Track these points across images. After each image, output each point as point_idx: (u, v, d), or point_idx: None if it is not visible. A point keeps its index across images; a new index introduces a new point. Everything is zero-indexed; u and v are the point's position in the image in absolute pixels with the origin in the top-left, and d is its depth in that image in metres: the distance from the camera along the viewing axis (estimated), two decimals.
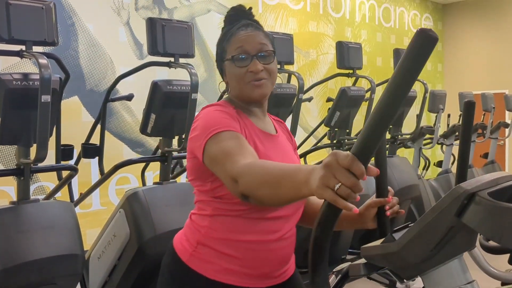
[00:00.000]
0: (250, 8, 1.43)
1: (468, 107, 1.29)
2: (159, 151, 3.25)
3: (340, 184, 0.78)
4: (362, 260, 0.97)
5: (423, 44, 0.70)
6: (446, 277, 0.88)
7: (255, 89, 1.31)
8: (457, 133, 5.71)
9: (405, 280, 0.93)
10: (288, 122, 3.81)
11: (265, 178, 1.02)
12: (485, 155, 6.41)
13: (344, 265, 1.01)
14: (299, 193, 0.92)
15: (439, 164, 5.80)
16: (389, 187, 1.30)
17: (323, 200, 0.81)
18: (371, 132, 0.75)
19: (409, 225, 0.90)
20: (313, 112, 6.87)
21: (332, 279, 1.00)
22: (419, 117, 5.07)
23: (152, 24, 3.04)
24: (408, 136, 5.16)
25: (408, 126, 5.80)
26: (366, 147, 0.76)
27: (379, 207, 1.29)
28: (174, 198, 3.05)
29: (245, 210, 1.28)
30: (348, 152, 0.78)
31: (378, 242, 0.90)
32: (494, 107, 5.85)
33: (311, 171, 0.87)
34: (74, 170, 2.90)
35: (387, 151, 5.10)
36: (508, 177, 0.89)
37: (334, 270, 1.03)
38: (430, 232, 0.80)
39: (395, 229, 0.94)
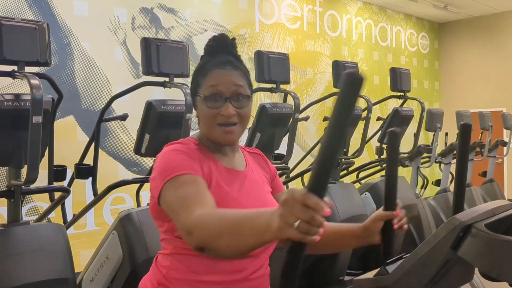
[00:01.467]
0: (234, 39, 1.37)
1: (464, 131, 1.26)
2: None
3: (299, 220, 0.79)
4: None
5: (351, 84, 0.79)
6: None
7: (225, 135, 1.27)
8: (455, 152, 5.69)
9: None
10: (285, 141, 3.79)
11: (222, 228, 0.99)
12: (484, 174, 6.37)
13: None
14: (262, 239, 0.91)
15: (438, 183, 5.76)
16: (397, 201, 1.23)
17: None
18: (320, 168, 0.80)
19: (403, 256, 0.86)
20: (310, 131, 6.85)
21: None
22: (416, 135, 5.04)
23: (146, 44, 3.03)
24: (405, 155, 5.12)
25: (406, 144, 5.78)
26: (319, 181, 0.81)
27: (386, 221, 1.22)
28: None
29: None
30: (303, 188, 0.81)
31: (371, 274, 0.86)
32: (491, 126, 5.83)
33: (272, 214, 0.86)
34: (65, 191, 2.86)
35: (383, 170, 5.08)
36: (506, 207, 0.85)
37: None
38: (425, 265, 0.76)
39: (388, 261, 0.90)
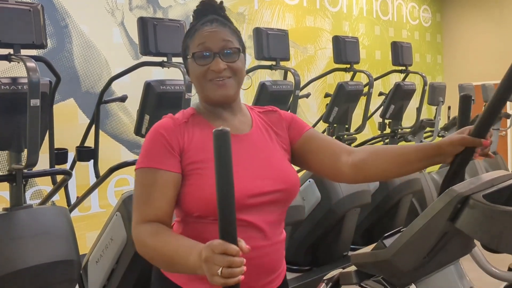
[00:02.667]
0: (221, 2, 1.34)
1: (464, 101, 1.23)
2: None
3: (221, 268, 0.94)
4: (354, 268, 0.92)
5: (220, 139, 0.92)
6: (442, 285, 0.83)
7: (218, 89, 1.24)
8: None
9: None
10: None
11: (159, 256, 1.13)
12: None
13: (335, 273, 0.97)
14: (194, 272, 1.05)
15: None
16: (491, 129, 1.14)
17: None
18: (225, 217, 0.93)
19: (401, 230, 0.85)
20: (312, 108, 6.82)
21: (323, 287, 0.95)
22: (418, 110, 5.01)
23: (143, 23, 2.99)
24: (408, 130, 5.10)
25: (409, 119, 5.74)
26: (229, 229, 0.93)
27: (467, 147, 1.11)
28: None
29: (216, 221, 1.23)
30: (218, 240, 0.95)
31: (368, 249, 0.86)
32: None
33: (199, 257, 1.00)
34: (67, 174, 2.86)
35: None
36: (505, 177, 0.84)
37: (324, 278, 0.98)
38: (422, 238, 0.75)
39: (386, 234, 0.89)
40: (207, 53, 1.23)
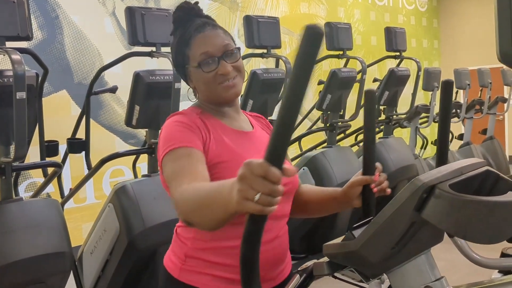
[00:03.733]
0: (197, 3, 1.36)
1: (445, 87, 1.22)
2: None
3: (259, 193, 0.78)
4: (327, 258, 0.91)
5: (312, 39, 0.71)
6: (413, 275, 0.82)
7: (229, 90, 1.28)
8: (453, 110, 5.63)
9: (370, 279, 0.88)
10: (278, 108, 3.74)
11: (195, 202, 1.01)
12: (484, 131, 6.32)
13: (309, 264, 0.96)
14: (227, 211, 0.90)
15: (436, 142, 5.73)
16: (377, 164, 1.23)
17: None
18: (278, 135, 0.75)
19: (371, 220, 0.84)
20: (307, 95, 6.79)
21: (296, 279, 0.95)
22: (413, 95, 4.99)
23: (131, 13, 2.96)
24: (403, 116, 5.08)
25: (404, 105, 5.72)
26: (277, 150, 0.76)
27: (364, 185, 1.23)
28: (162, 190, 2.98)
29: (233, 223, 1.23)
30: (260, 160, 0.78)
31: (339, 240, 0.85)
32: (491, 82, 5.75)
33: (232, 185, 0.85)
34: (58, 166, 2.85)
35: (382, 132, 5.05)
36: (477, 165, 0.82)
37: (298, 269, 0.98)
38: (390, 229, 0.74)
39: (355, 225, 0.88)
40: (213, 60, 1.26)
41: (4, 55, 2.46)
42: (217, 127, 1.29)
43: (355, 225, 0.89)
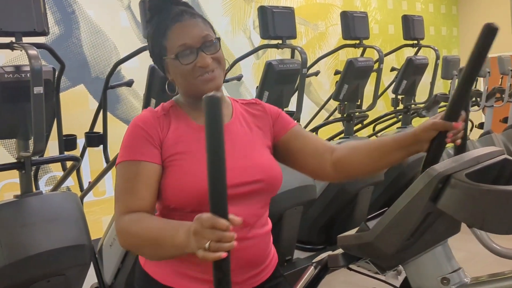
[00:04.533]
0: None
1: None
2: None
3: (209, 242, 0.92)
4: (341, 250, 0.90)
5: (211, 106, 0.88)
6: (429, 266, 0.81)
7: (208, 83, 1.22)
8: (473, 99, 5.54)
9: (386, 270, 0.86)
10: (294, 99, 3.72)
11: (143, 240, 1.09)
12: (505, 120, 6.19)
13: (323, 256, 0.95)
14: (181, 251, 1.02)
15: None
16: (462, 112, 1.12)
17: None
18: (215, 190, 0.89)
19: (385, 211, 0.82)
20: (324, 86, 6.74)
21: (311, 271, 0.94)
22: (432, 84, 4.91)
23: (144, 6, 2.96)
24: (422, 105, 5.01)
25: (422, 94, 5.64)
26: (219, 203, 0.90)
27: (440, 131, 1.11)
28: None
29: (194, 212, 1.16)
30: (207, 214, 0.93)
31: (353, 231, 0.83)
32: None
33: (188, 233, 0.98)
34: (76, 160, 2.88)
35: (400, 122, 4.99)
36: (495, 153, 0.80)
37: (313, 261, 0.96)
38: (404, 220, 0.73)
39: (369, 216, 0.87)
40: (191, 51, 1.22)
41: (21, 50, 2.48)
42: (181, 124, 1.26)
43: (369, 216, 0.88)
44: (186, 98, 1.29)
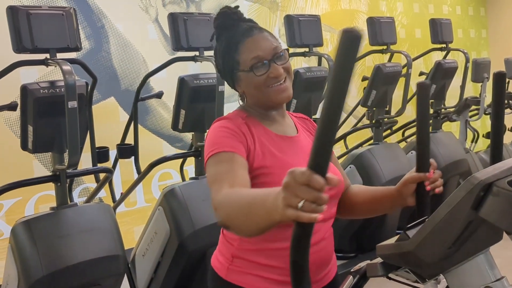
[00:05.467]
0: (237, 7, 1.37)
1: (497, 80, 1.18)
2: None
3: (303, 201, 0.78)
4: (380, 259, 0.90)
5: (349, 43, 0.71)
6: (471, 275, 0.80)
7: (280, 93, 1.28)
8: (506, 102, 5.42)
9: (427, 280, 0.85)
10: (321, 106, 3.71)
11: (238, 207, 1.02)
12: None
13: (362, 265, 0.95)
14: (271, 219, 0.90)
15: (489, 135, 5.51)
16: (431, 160, 1.19)
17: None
18: (321, 143, 0.75)
19: (426, 219, 0.82)
20: (351, 92, 6.70)
21: (350, 280, 0.94)
22: (462, 88, 4.84)
23: (173, 19, 3.02)
24: (452, 109, 4.93)
25: (453, 98, 5.55)
26: (319, 158, 0.77)
27: (418, 183, 1.19)
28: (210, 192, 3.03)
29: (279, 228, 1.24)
30: (304, 168, 0.78)
31: (393, 240, 0.83)
32: None
33: (277, 194, 0.85)
34: (109, 172, 2.94)
35: (430, 127, 4.91)
36: None
37: (351, 270, 0.96)
38: (446, 228, 0.72)
39: (409, 225, 0.86)
40: (264, 63, 1.27)
41: (55, 66, 2.55)
42: (261, 133, 1.30)
43: (409, 225, 0.87)
44: (257, 109, 1.34)
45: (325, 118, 0.73)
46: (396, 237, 0.86)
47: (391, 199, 1.30)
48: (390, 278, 0.92)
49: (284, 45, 1.41)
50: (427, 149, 1.15)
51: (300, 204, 0.78)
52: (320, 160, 0.76)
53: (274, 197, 0.87)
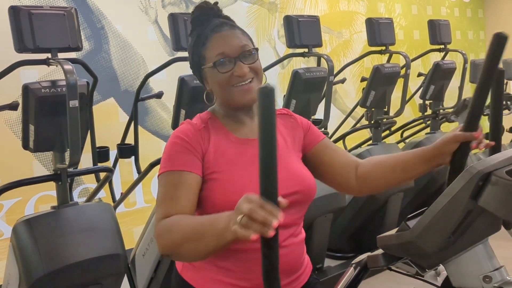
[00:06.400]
0: (216, 3, 1.34)
1: (496, 77, 1.20)
2: None
3: (242, 216, 0.87)
4: (381, 251, 0.91)
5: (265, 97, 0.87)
6: (470, 265, 0.81)
7: (244, 95, 1.25)
8: (503, 102, 5.45)
9: (427, 270, 0.87)
10: (321, 106, 3.73)
11: (185, 234, 1.06)
12: None
13: (363, 257, 0.96)
14: (223, 239, 0.96)
15: (487, 136, 5.52)
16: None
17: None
18: (265, 169, 0.85)
19: (425, 210, 0.84)
20: (350, 94, 6.72)
21: (351, 272, 0.95)
22: (460, 89, 4.86)
23: (173, 20, 3.03)
24: (450, 110, 4.95)
25: (451, 99, 5.58)
26: (268, 186, 0.85)
27: (462, 142, 1.13)
28: None
29: None
30: (255, 195, 0.87)
31: (393, 231, 0.85)
32: None
33: (229, 217, 0.93)
34: (109, 171, 2.95)
35: (428, 128, 4.94)
36: None
37: (352, 262, 0.98)
38: (445, 218, 0.74)
39: (409, 216, 0.88)
40: (229, 61, 1.24)
41: (56, 65, 2.57)
42: (220, 137, 1.27)
43: (409, 216, 0.89)
44: (224, 109, 1.32)
45: (263, 147, 0.84)
46: (396, 229, 0.87)
47: (428, 159, 1.21)
48: (391, 269, 0.94)
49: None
50: (481, 109, 1.11)
51: (239, 219, 0.88)
52: (270, 188, 0.85)
53: (226, 219, 0.94)
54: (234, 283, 1.23)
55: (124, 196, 3.62)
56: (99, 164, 3.19)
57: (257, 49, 1.29)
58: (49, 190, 4.01)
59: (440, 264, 0.85)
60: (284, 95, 3.58)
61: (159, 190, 1.21)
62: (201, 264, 1.25)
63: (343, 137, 4.52)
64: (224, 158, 1.24)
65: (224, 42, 1.25)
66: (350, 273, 0.93)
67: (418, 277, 0.92)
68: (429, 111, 4.87)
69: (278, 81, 5.97)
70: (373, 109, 4.20)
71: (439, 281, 1.07)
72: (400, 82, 4.34)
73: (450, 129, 6.66)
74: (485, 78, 1.07)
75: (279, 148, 1.33)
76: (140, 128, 4.12)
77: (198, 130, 1.26)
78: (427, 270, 0.88)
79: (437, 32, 4.58)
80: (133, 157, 3.61)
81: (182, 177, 1.19)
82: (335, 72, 4.13)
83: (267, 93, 0.83)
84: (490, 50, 1.03)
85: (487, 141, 1.17)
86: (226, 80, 1.24)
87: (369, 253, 0.92)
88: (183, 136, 1.25)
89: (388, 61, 4.59)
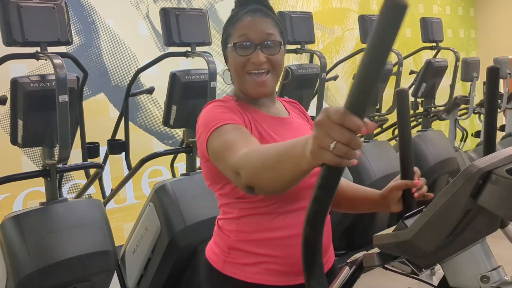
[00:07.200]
0: None
1: (491, 74, 1.19)
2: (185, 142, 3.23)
3: (335, 142, 0.69)
4: (377, 250, 0.90)
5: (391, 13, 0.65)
6: (468, 265, 0.80)
7: (257, 87, 1.23)
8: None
9: (423, 269, 0.86)
10: (314, 103, 3.72)
11: (264, 161, 0.94)
12: (502, 128, 6.05)
13: (359, 255, 0.95)
14: (299, 168, 0.84)
15: (477, 134, 5.58)
16: (415, 168, 1.20)
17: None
18: (362, 82, 0.66)
19: (423, 209, 0.82)
20: (342, 91, 6.72)
21: (346, 271, 0.94)
22: (452, 87, 4.87)
23: (165, 14, 3.00)
24: (441, 108, 4.97)
25: (442, 97, 5.60)
26: (359, 98, 0.66)
27: (404, 190, 1.19)
28: (201, 188, 3.03)
29: (270, 206, 1.22)
30: (339, 107, 0.69)
31: (390, 230, 0.84)
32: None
33: (307, 140, 0.78)
34: (99, 167, 2.92)
35: (420, 126, 4.95)
36: None
37: (347, 261, 0.97)
38: (444, 217, 0.73)
39: (407, 214, 0.86)
40: (248, 44, 1.22)
41: (46, 60, 2.53)
42: (254, 114, 1.26)
43: (406, 215, 0.88)
44: (242, 96, 1.30)
45: (371, 53, 0.66)
46: (393, 227, 0.86)
47: (373, 203, 1.30)
48: (386, 269, 0.93)
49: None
50: (410, 156, 1.15)
51: (332, 146, 0.69)
52: (358, 100, 0.66)
53: (304, 143, 0.80)
54: (280, 269, 1.23)
55: (114, 192, 3.59)
56: (89, 160, 3.15)
57: (280, 43, 1.25)
58: (38, 186, 3.96)
59: (437, 264, 0.85)
60: (276, 92, 3.57)
61: (218, 141, 1.12)
62: (245, 257, 1.24)
63: None
64: (267, 134, 1.23)
65: (250, 26, 1.23)
66: (345, 272, 0.92)
67: (413, 276, 0.91)
68: (420, 109, 4.88)
69: None
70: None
71: (435, 280, 1.06)
72: (391, 79, 4.34)
73: (441, 127, 6.68)
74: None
75: (303, 128, 1.33)
76: (130, 124, 4.08)
77: (233, 104, 1.25)
78: (423, 269, 0.87)
79: (429, 30, 4.59)
80: (123, 153, 3.58)
81: (239, 126, 1.14)
82: (327, 69, 4.13)
83: (400, 8, 0.65)
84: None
85: (425, 191, 1.21)
86: (242, 65, 1.22)
87: (364, 252, 0.91)
88: (222, 104, 1.23)
89: None
